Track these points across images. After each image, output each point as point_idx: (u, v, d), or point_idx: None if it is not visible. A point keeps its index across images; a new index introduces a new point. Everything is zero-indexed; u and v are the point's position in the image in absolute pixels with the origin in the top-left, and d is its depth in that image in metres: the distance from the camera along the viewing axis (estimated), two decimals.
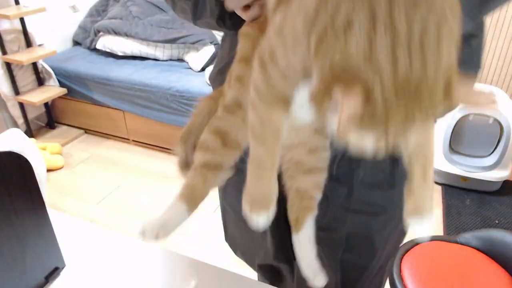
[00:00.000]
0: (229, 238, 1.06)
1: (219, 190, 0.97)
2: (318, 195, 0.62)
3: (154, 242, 0.54)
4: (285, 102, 0.41)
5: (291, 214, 0.63)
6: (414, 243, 1.06)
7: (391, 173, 0.68)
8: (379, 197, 0.71)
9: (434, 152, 0.45)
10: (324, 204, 0.72)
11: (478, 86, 2.27)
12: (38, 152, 1.81)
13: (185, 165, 0.61)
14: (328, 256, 0.78)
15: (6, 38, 2.46)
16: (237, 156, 0.56)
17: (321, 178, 0.60)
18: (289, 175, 0.61)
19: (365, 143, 0.36)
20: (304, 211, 0.62)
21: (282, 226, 0.76)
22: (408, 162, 0.45)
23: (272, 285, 1.17)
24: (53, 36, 2.86)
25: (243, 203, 0.49)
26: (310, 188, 0.60)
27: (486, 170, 2.12)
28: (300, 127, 0.52)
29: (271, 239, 0.91)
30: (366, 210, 0.72)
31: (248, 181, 0.47)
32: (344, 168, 0.67)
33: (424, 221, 0.46)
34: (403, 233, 0.83)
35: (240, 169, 0.88)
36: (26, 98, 2.54)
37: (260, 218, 0.47)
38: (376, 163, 0.66)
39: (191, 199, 0.54)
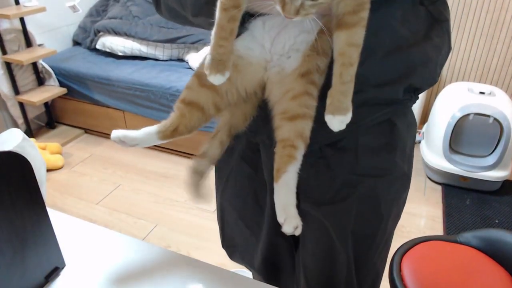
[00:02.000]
0: (226, 240, 1.06)
1: (217, 190, 0.97)
2: (300, 145, 0.62)
3: (119, 144, 0.68)
4: None
5: (275, 165, 0.64)
6: (414, 243, 1.06)
7: (390, 135, 0.73)
8: (383, 160, 0.75)
9: (356, 55, 0.53)
10: (330, 173, 0.75)
11: (478, 85, 2.27)
12: (38, 152, 1.81)
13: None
14: (337, 230, 0.79)
15: (6, 38, 2.46)
16: (211, 98, 0.63)
17: (304, 125, 0.62)
18: (276, 125, 0.63)
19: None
20: (285, 160, 0.62)
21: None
22: (334, 63, 0.54)
23: (269, 283, 1.16)
24: (53, 36, 2.86)
25: (204, 70, 0.56)
26: (292, 136, 0.62)
27: (486, 170, 2.12)
28: (286, 74, 0.61)
29: (270, 216, 0.88)
30: (373, 173, 0.75)
31: (211, 48, 0.55)
32: (347, 137, 0.72)
33: (338, 117, 0.56)
34: (402, 204, 0.85)
35: (235, 169, 0.88)
36: (26, 98, 2.54)
37: (216, 78, 0.56)
38: (375, 127, 0.71)
39: (163, 126, 0.67)
